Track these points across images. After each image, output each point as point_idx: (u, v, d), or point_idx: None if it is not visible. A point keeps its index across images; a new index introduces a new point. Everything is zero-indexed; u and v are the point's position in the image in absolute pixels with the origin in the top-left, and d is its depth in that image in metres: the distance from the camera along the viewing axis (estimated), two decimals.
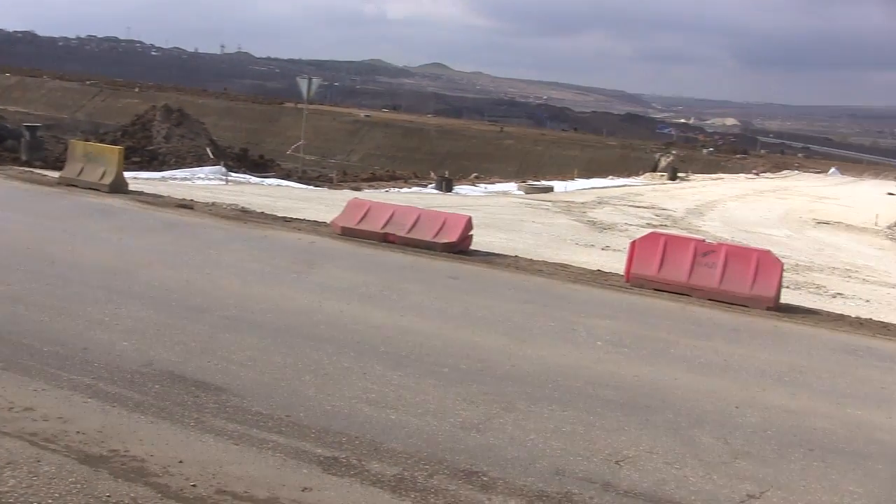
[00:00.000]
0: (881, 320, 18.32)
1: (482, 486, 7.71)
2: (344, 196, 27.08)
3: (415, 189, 38.28)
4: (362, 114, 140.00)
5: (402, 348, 11.80)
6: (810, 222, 42.03)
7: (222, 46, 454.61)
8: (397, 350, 11.68)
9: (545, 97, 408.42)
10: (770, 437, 9.89)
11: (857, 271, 26.37)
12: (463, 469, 8.00)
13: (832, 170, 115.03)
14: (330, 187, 36.20)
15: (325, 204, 26.23)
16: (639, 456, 8.84)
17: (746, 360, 13.61)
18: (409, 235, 20.30)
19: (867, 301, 20.96)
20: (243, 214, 22.46)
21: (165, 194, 24.77)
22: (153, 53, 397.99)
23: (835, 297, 21.01)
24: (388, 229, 20.52)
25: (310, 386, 9.82)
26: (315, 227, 21.61)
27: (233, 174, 34.87)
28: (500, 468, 8.10)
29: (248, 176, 35.76)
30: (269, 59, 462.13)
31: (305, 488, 7.32)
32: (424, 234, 20.30)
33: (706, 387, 11.76)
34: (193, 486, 7.16)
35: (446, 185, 38.40)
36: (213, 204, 23.50)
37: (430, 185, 39.49)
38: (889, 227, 43.54)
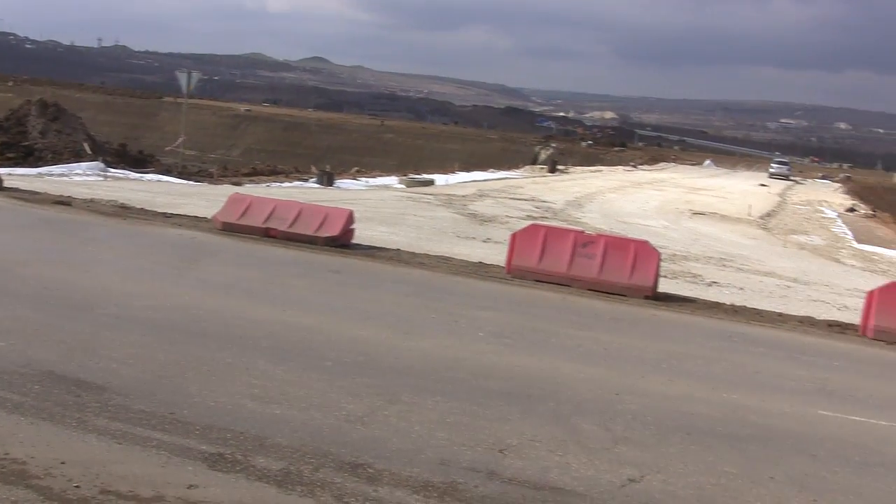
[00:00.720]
0: (754, 307, 18.73)
1: (368, 477, 7.72)
2: (225, 191, 26.84)
3: (296, 183, 38.06)
4: (242, 108, 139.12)
5: (285, 343, 11.74)
6: (686, 213, 42.72)
7: (99, 40, 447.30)
8: (281, 345, 11.62)
9: (426, 91, 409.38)
10: (649, 423, 10.06)
11: (731, 260, 26.89)
12: (349, 462, 7.99)
13: (707, 162, 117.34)
14: (210, 182, 35.80)
15: (206, 199, 25.95)
16: (522, 444, 8.92)
17: (626, 348, 13.82)
18: (291, 230, 20.19)
19: (741, 289, 21.39)
20: (123, 210, 22.12)
21: (42, 191, 24.25)
22: (28, 46, 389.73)
23: (710, 285, 21.41)
24: (270, 224, 20.38)
25: (193, 382, 9.71)
26: (196, 222, 21.36)
27: (111, 170, 34.25)
28: (386, 460, 8.12)
29: (127, 172, 35.13)
30: (147, 52, 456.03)
31: (191, 485, 7.25)
32: (306, 228, 20.20)
33: (587, 375, 11.91)
34: (77, 487, 7.03)
35: (328, 180, 38.22)
36: (92, 200, 23.11)
37: (311, 180, 39.25)
38: (762, 217, 44.51)
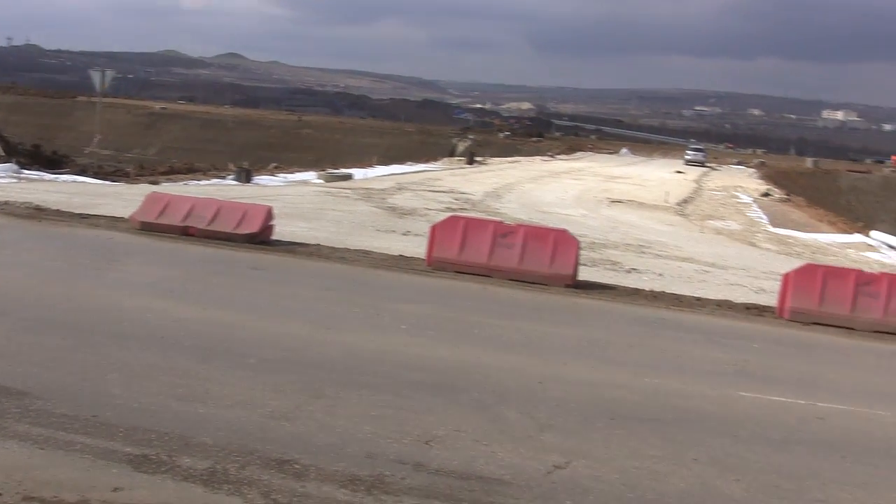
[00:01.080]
0: (674, 292, 18.93)
1: (295, 473, 7.70)
2: (142, 190, 26.55)
3: (214, 181, 37.72)
4: (158, 106, 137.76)
5: (207, 341, 11.67)
6: (604, 201, 42.98)
7: (9, 39, 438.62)
8: (203, 343, 11.54)
9: (342, 85, 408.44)
10: (573, 410, 10.15)
11: (650, 247, 27.12)
12: (275, 458, 7.97)
13: (624, 150, 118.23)
14: (127, 182, 35.33)
15: (123, 199, 25.65)
16: (448, 435, 8.95)
17: (547, 336, 13.93)
18: (210, 228, 20.04)
19: (660, 275, 21.59)
20: (38, 212, 21.78)
21: None
22: None
23: (630, 272, 21.57)
24: (189, 222, 20.21)
25: (115, 384, 9.61)
26: (113, 222, 21.10)
27: (25, 171, 33.73)
28: (312, 455, 8.11)
29: (41, 173, 34.59)
30: (59, 51, 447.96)
31: (116, 488, 7.18)
32: (225, 225, 20.06)
33: (510, 364, 11.98)
34: None
35: (246, 176, 37.95)
36: (6, 203, 22.73)
37: (229, 177, 38.93)
38: (679, 204, 44.93)
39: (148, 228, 20.23)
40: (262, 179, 39.85)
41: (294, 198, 31.37)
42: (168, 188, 29.50)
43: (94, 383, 9.61)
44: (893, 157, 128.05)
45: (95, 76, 39.85)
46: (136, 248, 18.76)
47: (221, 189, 32.41)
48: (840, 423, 10.93)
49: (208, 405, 9.19)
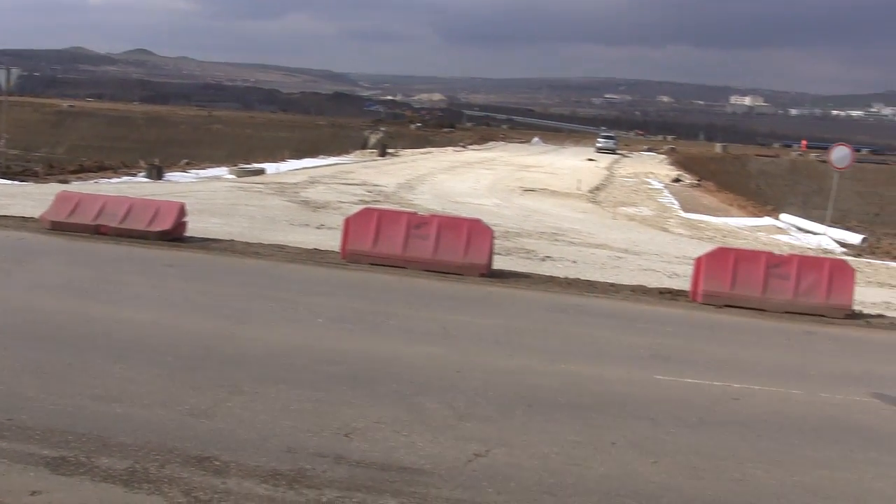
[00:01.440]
0: (588, 279, 19.10)
1: (215, 470, 7.67)
2: (52, 190, 26.17)
3: (125, 179, 37.24)
4: (65, 104, 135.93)
5: (123, 340, 11.55)
6: (517, 191, 43.15)
7: None
8: (118, 342, 11.43)
9: (253, 80, 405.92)
10: (492, 398, 10.20)
11: (563, 234, 27.30)
12: (195, 455, 7.93)
13: (535, 139, 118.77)
14: (36, 181, 34.75)
15: (32, 199, 25.28)
16: (367, 427, 8.96)
17: (464, 325, 13.98)
18: (122, 226, 19.83)
19: (574, 262, 21.75)
20: None
21: None
22: None
23: (544, 260, 21.70)
24: (100, 221, 19.99)
25: (30, 387, 9.49)
26: (23, 223, 20.81)
27: None
28: (232, 451, 8.08)
29: None
30: None
31: (34, 492, 7.09)
32: (138, 223, 19.87)
33: (427, 354, 12.02)
34: None
35: (157, 173, 37.55)
36: None
37: (140, 174, 38.47)
38: (591, 191, 45.26)
39: (59, 228, 19.97)
40: (173, 176, 39.44)
41: (206, 194, 31.14)
42: (78, 187, 29.10)
43: (8, 386, 9.47)
44: (804, 142, 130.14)
45: (0, 74, 39.08)
46: (48, 248, 18.52)
47: (133, 187, 32.08)
48: (755, 403, 11.11)
49: (125, 404, 9.10)
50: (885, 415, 11.21)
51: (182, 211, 20.27)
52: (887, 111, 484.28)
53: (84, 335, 11.70)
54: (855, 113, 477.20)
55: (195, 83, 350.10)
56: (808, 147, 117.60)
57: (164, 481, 7.38)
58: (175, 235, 19.88)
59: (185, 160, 53.75)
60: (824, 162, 58.60)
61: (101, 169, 42.05)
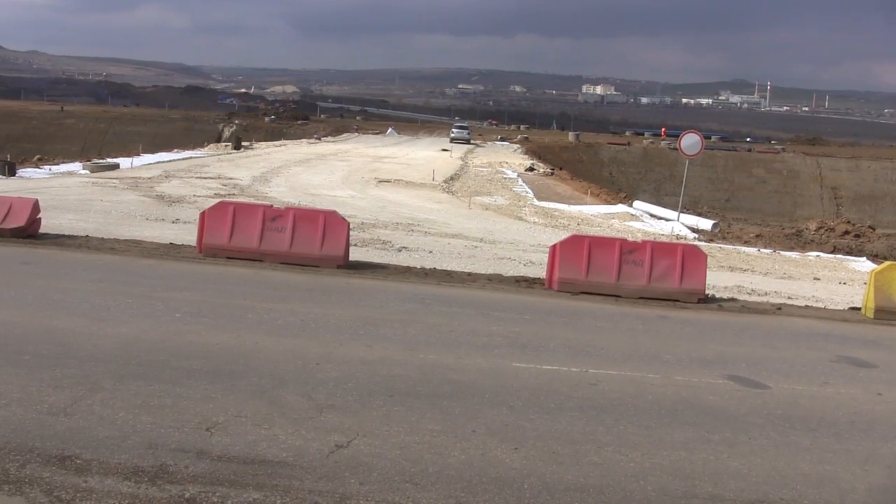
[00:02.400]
0: (444, 269, 19.28)
1: (77, 469, 7.60)
2: None
3: None
4: None
5: None
6: (372, 182, 43.22)
7: None
8: None
9: (105, 74, 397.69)
10: (351, 389, 10.26)
11: (419, 225, 27.46)
12: (55, 455, 7.84)
13: (389, 130, 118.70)
14: None
15: None
16: (228, 421, 8.95)
17: (322, 318, 14.01)
18: None
19: (430, 252, 21.92)
20: None
21: None
22: None
23: (400, 250, 21.83)
24: None
25: None
26: None
27: None
28: (93, 449, 8.00)
29: None
30: None
31: None
32: None
33: (286, 347, 12.03)
34: None
35: (9, 170, 36.74)
36: None
37: None
38: (446, 182, 45.51)
39: None
40: (26, 172, 38.69)
41: (60, 189, 30.61)
42: None
43: None
44: (664, 129, 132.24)
45: None
46: None
47: None
48: (612, 388, 11.35)
49: None
50: (738, 396, 11.55)
51: (35, 207, 19.91)
52: (735, 98, 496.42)
53: None
54: (704, 101, 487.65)
55: (47, 77, 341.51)
56: (667, 135, 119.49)
57: (24, 482, 7.29)
58: (29, 232, 19.54)
59: (38, 156, 52.78)
60: (675, 149, 59.88)
61: None
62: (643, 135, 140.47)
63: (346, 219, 19.53)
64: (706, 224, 35.93)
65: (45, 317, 12.92)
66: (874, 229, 45.74)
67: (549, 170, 62.56)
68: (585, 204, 40.82)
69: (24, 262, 17.19)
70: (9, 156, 44.67)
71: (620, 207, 40.10)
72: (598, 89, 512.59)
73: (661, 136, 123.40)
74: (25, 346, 11.17)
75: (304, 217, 19.17)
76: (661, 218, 37.33)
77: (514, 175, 54.06)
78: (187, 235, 20.62)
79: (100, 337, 11.92)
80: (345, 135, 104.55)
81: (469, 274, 18.98)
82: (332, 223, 18.82)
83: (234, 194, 32.30)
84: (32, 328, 12.17)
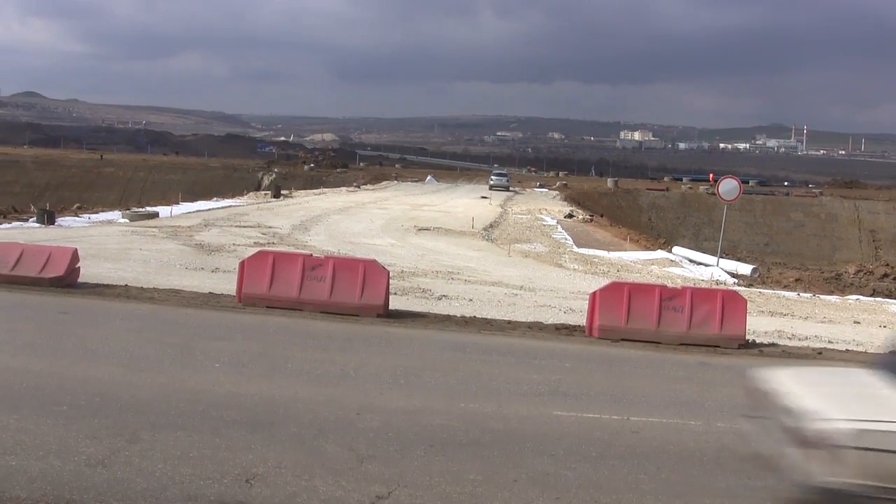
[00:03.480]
0: (484, 317, 19.21)
1: None
2: None
3: (15, 224, 36.60)
4: None
5: (16, 390, 11.35)
6: (412, 230, 43.19)
7: None
8: (11, 393, 11.23)
9: (144, 122, 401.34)
10: (392, 439, 10.20)
11: (458, 273, 27.40)
12: None
13: (429, 178, 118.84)
14: None
15: None
16: (268, 472, 8.91)
17: (362, 367, 13.96)
18: (14, 273, 19.51)
19: (470, 300, 21.84)
20: None
21: None
22: None
23: (440, 299, 21.77)
24: None
25: None
26: None
27: None
28: (132, 501, 7.98)
29: None
30: None
31: None
32: (29, 270, 19.57)
33: (326, 396, 11.98)
34: None
35: (48, 218, 37.01)
36: None
37: (31, 219, 37.91)
38: (485, 229, 45.45)
39: None
40: (65, 221, 38.91)
41: (99, 238, 30.78)
42: None
43: None
44: (711, 175, 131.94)
45: None
46: None
47: (23, 232, 31.58)
48: (654, 435, 11.24)
49: (20, 456, 8.94)
50: None
51: (75, 256, 20.01)
52: (772, 143, 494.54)
53: None
54: (741, 145, 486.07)
55: (86, 126, 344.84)
56: (715, 180, 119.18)
57: None
58: (68, 282, 19.62)
59: (77, 204, 53.05)
60: (713, 194, 59.58)
61: None
62: (681, 180, 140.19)
63: (386, 267, 19.53)
64: (745, 269, 35.67)
65: (82, 366, 12.95)
66: None
67: (588, 216, 62.42)
68: (625, 250, 40.63)
69: (62, 311, 17.26)
70: (48, 204, 45.01)
71: (660, 253, 39.88)
72: (636, 135, 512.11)
73: (709, 181, 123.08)
74: (63, 396, 11.18)
75: (344, 266, 19.17)
76: (700, 263, 37.11)
77: (554, 222, 53.92)
78: (227, 284, 20.66)
79: (138, 387, 11.93)
80: (384, 182, 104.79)
81: (509, 322, 18.92)
82: (371, 272, 18.82)
83: (273, 243, 32.38)
84: (70, 378, 12.19)
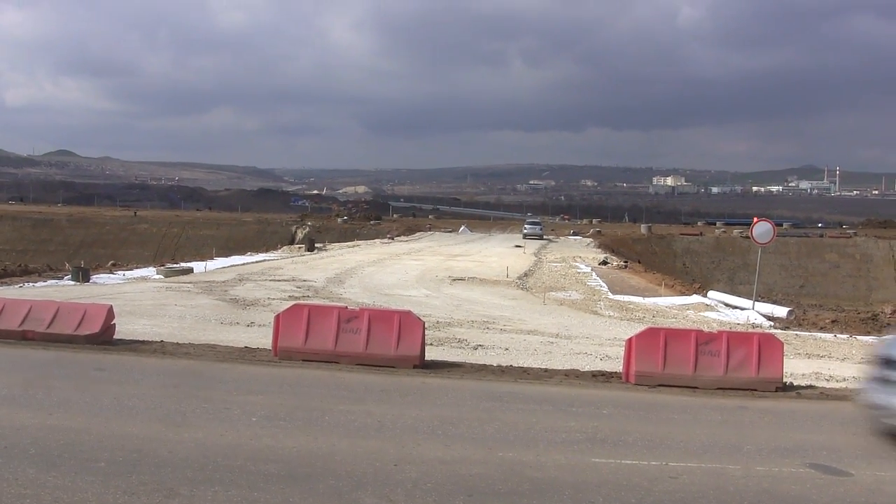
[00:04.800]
0: (520, 366, 19.16)
1: None
2: None
3: (50, 282, 36.89)
4: None
5: (53, 447, 11.38)
6: (446, 280, 43.22)
7: None
8: (49, 450, 11.25)
9: (176, 178, 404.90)
10: (430, 490, 10.15)
11: (494, 322, 27.36)
12: None
13: (462, 228, 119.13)
14: None
15: None
16: None
17: (399, 418, 13.92)
18: (50, 330, 19.63)
19: (506, 349, 21.79)
20: None
21: None
22: None
23: (476, 348, 21.73)
24: (27, 326, 19.77)
25: None
26: None
27: None
28: None
29: None
30: None
31: None
32: (65, 327, 19.69)
33: (363, 449, 11.94)
34: None
35: (83, 276, 37.28)
36: None
37: (66, 277, 38.19)
38: (520, 278, 45.41)
39: None
40: (100, 278, 39.18)
41: (134, 295, 30.94)
42: (2, 291, 28.79)
43: None
44: (755, 218, 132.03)
45: None
46: None
47: (59, 290, 31.79)
48: (693, 481, 11.15)
49: None
50: (820, 484, 11.30)
51: (110, 313, 20.11)
52: (804, 185, 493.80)
53: (13, 444, 11.50)
54: (774, 188, 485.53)
55: (119, 183, 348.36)
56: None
57: None
58: (104, 338, 19.71)
59: (112, 261, 53.47)
60: (747, 238, 59.42)
61: (26, 272, 41.70)
62: (715, 224, 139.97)
63: (421, 318, 19.53)
64: (781, 311, 35.46)
65: (119, 423, 12.96)
66: None
67: (622, 263, 62.31)
68: (660, 296, 40.50)
69: (98, 368, 17.32)
70: (83, 262, 45.36)
71: (695, 298, 39.71)
72: (669, 180, 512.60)
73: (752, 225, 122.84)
74: (100, 452, 11.19)
75: (379, 317, 19.18)
76: (735, 307, 36.93)
77: (588, 269, 53.86)
78: (262, 339, 20.71)
79: (175, 442, 11.93)
80: (418, 234, 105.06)
81: (545, 370, 18.86)
82: (407, 323, 18.81)
83: (308, 296, 32.45)
84: (107, 434, 12.20)
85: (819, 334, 29.23)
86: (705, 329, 21.39)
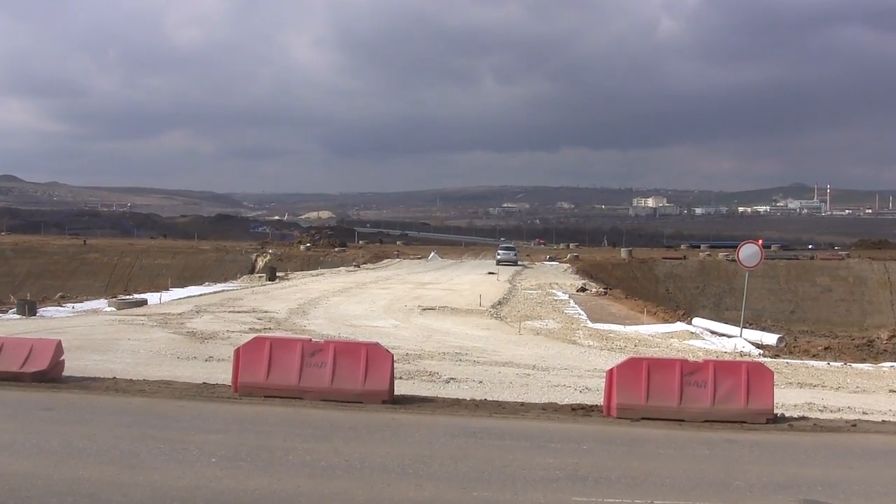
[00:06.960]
0: (495, 399, 19.16)
1: None
2: None
3: None
4: None
5: None
6: (416, 310, 43.17)
7: None
8: None
9: (129, 204, 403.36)
10: None
11: (467, 354, 27.35)
12: None
13: (432, 254, 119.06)
14: None
15: None
16: None
17: (368, 457, 13.89)
18: None
19: (480, 382, 21.79)
20: None
21: None
22: None
23: (448, 382, 21.72)
24: None
25: None
26: None
27: None
28: None
29: None
30: None
31: None
32: (9, 364, 19.55)
33: (330, 490, 11.91)
34: None
35: (29, 309, 37.04)
36: None
37: (10, 311, 37.97)
38: (493, 307, 45.42)
39: None
40: (47, 311, 38.98)
41: (84, 329, 30.79)
42: None
43: None
44: (760, 241, 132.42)
45: None
46: None
47: (3, 324, 31.64)
48: None
49: None
50: None
51: (58, 349, 20.00)
52: (794, 204, 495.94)
53: None
54: (761, 208, 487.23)
55: (68, 210, 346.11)
56: (764, 245, 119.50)
57: None
58: (52, 376, 19.59)
59: (60, 293, 53.18)
60: (734, 261, 59.70)
61: None
62: (699, 247, 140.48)
63: (390, 350, 19.49)
64: (771, 339, 35.58)
65: (69, 466, 12.88)
66: None
67: (602, 289, 62.46)
68: (642, 324, 40.60)
69: (46, 407, 17.20)
70: (28, 294, 45.11)
71: (679, 325, 39.82)
72: (650, 201, 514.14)
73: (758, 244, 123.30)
74: (48, 498, 11.13)
75: (346, 350, 19.14)
76: (722, 335, 37.03)
77: (566, 296, 53.94)
78: (222, 374, 20.64)
79: (130, 486, 11.86)
80: (385, 261, 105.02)
81: (522, 404, 18.86)
82: (375, 356, 18.77)
83: (270, 328, 32.38)
84: (56, 479, 12.12)
85: (811, 362, 29.38)
86: (690, 358, 21.43)
